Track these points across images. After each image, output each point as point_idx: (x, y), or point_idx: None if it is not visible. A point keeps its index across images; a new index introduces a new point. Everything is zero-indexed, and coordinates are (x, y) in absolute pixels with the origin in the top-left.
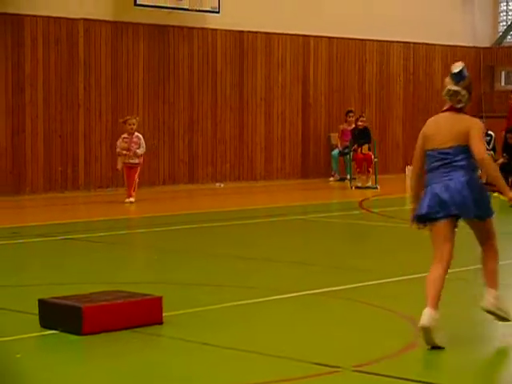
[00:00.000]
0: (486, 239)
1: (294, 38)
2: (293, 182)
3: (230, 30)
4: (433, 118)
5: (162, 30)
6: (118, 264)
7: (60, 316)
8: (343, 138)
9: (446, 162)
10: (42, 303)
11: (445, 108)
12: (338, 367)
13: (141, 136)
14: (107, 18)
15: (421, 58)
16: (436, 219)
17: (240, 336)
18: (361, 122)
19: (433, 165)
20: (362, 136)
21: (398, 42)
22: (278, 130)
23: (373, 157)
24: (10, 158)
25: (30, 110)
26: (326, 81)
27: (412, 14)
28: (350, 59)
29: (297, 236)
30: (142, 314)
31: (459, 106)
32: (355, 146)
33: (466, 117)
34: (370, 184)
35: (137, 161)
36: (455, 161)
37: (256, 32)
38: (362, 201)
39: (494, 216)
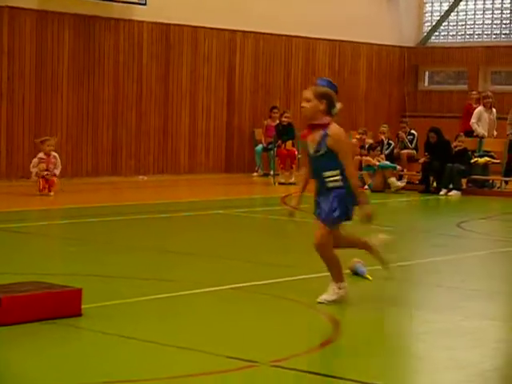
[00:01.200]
0: None
1: (220, 32)
2: (216, 176)
3: (156, 23)
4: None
5: (88, 20)
6: (37, 255)
7: None
8: (267, 134)
9: None
10: None
11: (331, 121)
12: (256, 362)
13: (57, 156)
14: (32, 7)
15: (346, 56)
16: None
17: (159, 329)
18: (285, 117)
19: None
20: (285, 132)
21: (324, 39)
22: (203, 124)
23: (296, 153)
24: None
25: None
26: (251, 76)
27: (338, 12)
28: (276, 55)
29: (218, 230)
30: (60, 305)
31: None
32: (279, 141)
33: None
34: (293, 180)
35: (54, 179)
36: None
37: (182, 25)
38: (285, 197)
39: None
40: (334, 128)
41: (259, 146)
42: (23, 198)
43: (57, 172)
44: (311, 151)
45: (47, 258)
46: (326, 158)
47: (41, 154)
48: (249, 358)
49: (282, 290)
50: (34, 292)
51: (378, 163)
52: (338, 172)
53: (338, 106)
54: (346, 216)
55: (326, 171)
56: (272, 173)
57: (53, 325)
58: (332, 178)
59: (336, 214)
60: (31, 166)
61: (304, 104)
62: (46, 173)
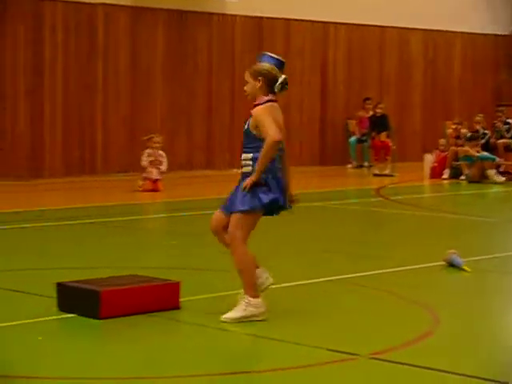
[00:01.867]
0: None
1: (313, 24)
2: (311, 168)
3: (248, 16)
4: (272, 108)
5: (180, 15)
6: (137, 249)
7: (78, 300)
8: (361, 126)
9: (282, 154)
10: (61, 287)
11: (272, 98)
12: (356, 354)
13: (163, 154)
14: (126, 3)
15: (440, 46)
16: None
17: (258, 322)
18: (379, 109)
19: (277, 155)
20: (379, 123)
21: (417, 29)
22: (296, 117)
23: (391, 144)
24: (29, 142)
25: (48, 95)
26: (344, 68)
27: (431, 2)
28: (370, 46)
29: (314, 223)
30: (159, 298)
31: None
32: (373, 133)
33: None
34: (387, 171)
35: (160, 177)
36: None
37: (275, 18)
38: (380, 188)
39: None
40: (259, 107)
41: (353, 138)
42: (121, 192)
43: (163, 168)
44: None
45: (146, 252)
46: (245, 140)
47: (148, 150)
48: (349, 351)
49: (379, 281)
50: (134, 285)
51: (477, 154)
52: (250, 156)
53: (281, 79)
54: (262, 205)
55: (242, 154)
56: (366, 164)
57: (152, 318)
58: (244, 162)
59: (242, 206)
60: (143, 159)
61: (244, 88)
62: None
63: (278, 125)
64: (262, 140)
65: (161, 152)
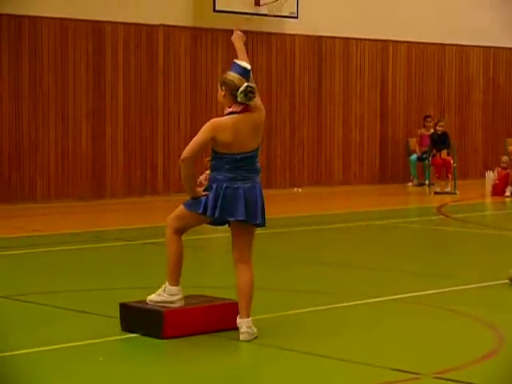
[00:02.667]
0: (248, 251)
1: (372, 43)
2: (371, 187)
3: (308, 36)
4: (225, 122)
5: None
6: (199, 268)
7: (141, 320)
8: (421, 143)
9: (239, 165)
10: (124, 307)
11: (236, 109)
12: (419, 374)
13: None
14: (186, 24)
15: (501, 63)
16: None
17: (320, 342)
18: (439, 126)
19: (228, 166)
20: (440, 141)
21: (477, 46)
22: (356, 135)
23: (452, 162)
24: (91, 162)
25: (110, 116)
26: (404, 86)
27: (492, 19)
28: (429, 64)
29: (375, 241)
30: (222, 318)
31: (253, 103)
32: (434, 151)
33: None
34: (448, 189)
35: None
36: (256, 163)
37: (334, 37)
38: (441, 206)
39: None
40: (207, 123)
41: (414, 156)
42: None
43: None
44: None
45: (209, 271)
46: None
47: (208, 171)
48: (412, 370)
49: (442, 300)
50: (196, 305)
51: None
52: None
53: (242, 88)
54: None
55: None
56: (427, 182)
57: (214, 338)
58: None
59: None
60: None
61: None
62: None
63: (235, 137)
64: (215, 151)
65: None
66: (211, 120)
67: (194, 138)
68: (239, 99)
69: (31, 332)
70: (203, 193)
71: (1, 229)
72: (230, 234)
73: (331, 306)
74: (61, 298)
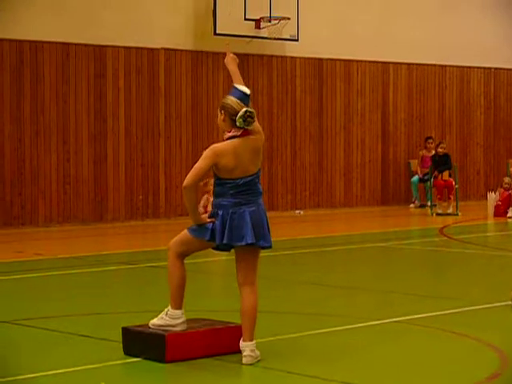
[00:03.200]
0: (254, 274)
1: (373, 64)
2: (373, 208)
3: (308, 58)
4: (225, 148)
5: (241, 58)
6: (199, 292)
7: (143, 344)
8: (423, 165)
9: (242, 190)
10: (126, 331)
11: (236, 133)
12: None
13: None
14: (187, 48)
15: (502, 84)
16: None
17: (323, 365)
18: (441, 148)
19: (232, 191)
20: (442, 162)
21: (478, 67)
22: (358, 157)
23: (454, 183)
24: (92, 186)
25: (111, 139)
26: (405, 107)
27: (492, 39)
28: (430, 85)
29: (377, 263)
30: (224, 342)
31: (251, 127)
32: (435, 172)
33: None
34: (451, 211)
35: None
36: (258, 186)
37: (335, 59)
38: (443, 228)
39: None
40: (208, 148)
41: (415, 177)
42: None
43: None
44: None
45: (211, 295)
46: None
47: (205, 196)
48: None
49: (445, 322)
50: (199, 329)
51: None
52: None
53: (241, 112)
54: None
55: None
56: (429, 204)
57: (217, 361)
58: None
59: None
60: (201, 205)
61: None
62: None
63: (236, 162)
64: (217, 177)
65: None
66: (212, 146)
67: (196, 165)
68: (238, 124)
69: (34, 357)
70: (208, 220)
71: (2, 253)
72: (230, 257)
73: (334, 329)
74: (63, 323)
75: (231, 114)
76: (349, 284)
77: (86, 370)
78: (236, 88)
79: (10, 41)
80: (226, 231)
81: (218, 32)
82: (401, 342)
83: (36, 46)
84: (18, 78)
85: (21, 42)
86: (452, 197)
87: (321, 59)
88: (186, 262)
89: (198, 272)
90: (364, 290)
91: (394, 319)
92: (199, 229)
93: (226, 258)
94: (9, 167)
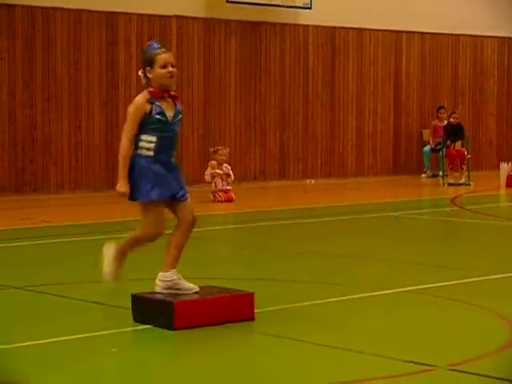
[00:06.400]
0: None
1: (385, 33)
2: (384, 178)
3: (321, 26)
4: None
5: (254, 26)
6: (209, 259)
7: (152, 311)
8: (435, 135)
9: None
10: (135, 298)
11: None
12: (433, 366)
13: (229, 167)
14: (199, 15)
15: None
16: None
17: (332, 333)
18: (453, 118)
19: None
20: (454, 132)
21: (492, 37)
22: (370, 127)
23: (466, 153)
24: (104, 153)
25: (123, 107)
26: (418, 77)
27: (507, 9)
28: (443, 55)
29: (388, 233)
30: (233, 309)
31: None
32: (448, 142)
33: None
34: (463, 181)
35: (230, 187)
36: None
37: (348, 28)
38: (455, 198)
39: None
40: None
41: (427, 147)
42: (194, 203)
43: (229, 181)
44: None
45: (220, 262)
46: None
47: (213, 162)
48: (426, 362)
49: (456, 292)
50: (207, 296)
51: None
52: None
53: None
54: None
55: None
56: (441, 174)
57: (226, 329)
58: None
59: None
60: (207, 173)
61: (173, 70)
62: (222, 186)
63: None
64: None
65: (226, 165)
66: None
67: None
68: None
69: (44, 323)
70: None
71: (11, 220)
72: (237, 226)
73: (344, 298)
74: (73, 289)
75: None
76: (359, 253)
77: (95, 336)
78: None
79: (22, 6)
80: None
81: (230, 0)
82: (410, 311)
83: (48, 12)
84: (30, 45)
85: (33, 7)
86: (464, 167)
87: (333, 27)
88: (194, 230)
89: (204, 239)
90: (373, 259)
91: (403, 289)
92: None
93: (232, 226)
94: (21, 134)
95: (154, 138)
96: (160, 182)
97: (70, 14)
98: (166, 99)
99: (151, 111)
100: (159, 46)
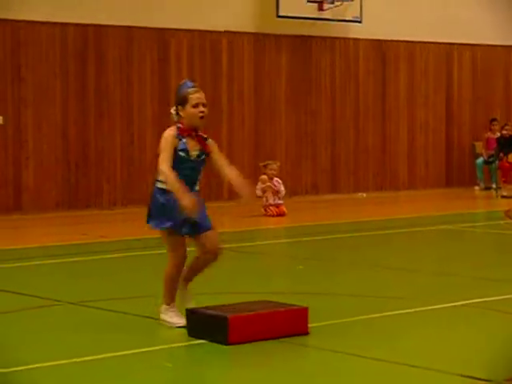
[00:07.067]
0: None
1: (436, 46)
2: (436, 191)
3: (371, 40)
4: None
5: (304, 40)
6: (263, 274)
7: (207, 326)
8: (488, 147)
9: None
10: (190, 313)
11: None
12: (490, 381)
13: (280, 181)
14: (250, 30)
15: None
16: None
17: (388, 347)
18: (506, 130)
19: None
20: (507, 144)
21: None
22: (421, 139)
23: None
24: (155, 168)
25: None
26: (470, 89)
27: None
28: (495, 66)
29: (440, 246)
30: (287, 324)
31: None
32: (501, 154)
33: None
34: None
35: (281, 202)
36: None
37: (398, 41)
38: (508, 210)
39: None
40: None
41: (480, 159)
42: (247, 218)
43: (280, 196)
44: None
45: (274, 277)
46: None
47: (264, 177)
48: (482, 377)
49: (510, 306)
50: (262, 311)
51: None
52: None
53: None
54: None
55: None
56: (494, 186)
57: (280, 343)
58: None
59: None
60: (258, 188)
61: (205, 110)
62: (274, 200)
63: None
64: None
65: (276, 179)
66: None
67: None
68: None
69: (101, 338)
70: None
71: (68, 235)
72: (289, 240)
73: (399, 312)
74: (128, 304)
75: None
76: (413, 267)
77: (150, 351)
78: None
79: (75, 25)
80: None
81: (280, 14)
82: (467, 325)
83: (100, 29)
84: (83, 62)
85: (85, 26)
86: None
87: (384, 40)
88: (246, 244)
89: (257, 254)
90: (428, 273)
91: (460, 303)
92: None
93: (285, 240)
94: (74, 150)
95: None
96: (171, 212)
97: (121, 31)
98: (193, 137)
99: (177, 146)
100: (193, 84)
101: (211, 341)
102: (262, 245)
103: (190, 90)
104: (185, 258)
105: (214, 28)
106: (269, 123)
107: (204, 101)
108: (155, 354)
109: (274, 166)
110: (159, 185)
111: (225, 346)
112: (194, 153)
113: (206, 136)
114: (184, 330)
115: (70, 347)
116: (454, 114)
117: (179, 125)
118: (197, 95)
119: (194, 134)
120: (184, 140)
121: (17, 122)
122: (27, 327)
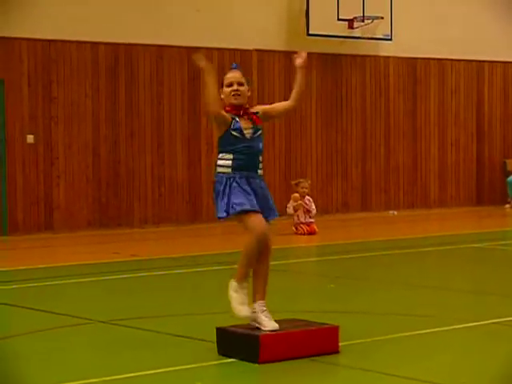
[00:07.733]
0: None
1: (467, 63)
2: (467, 209)
3: (402, 57)
4: None
5: (334, 58)
6: (294, 292)
7: (237, 344)
8: None
9: None
10: (220, 331)
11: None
12: None
13: (311, 199)
14: (280, 48)
15: None
16: None
17: (420, 366)
18: None
19: None
20: None
21: None
22: (452, 157)
23: None
24: (187, 188)
25: (205, 141)
26: (501, 106)
27: None
28: None
29: (471, 264)
30: (318, 342)
31: None
32: None
33: None
34: None
35: (313, 220)
36: None
37: (429, 58)
38: None
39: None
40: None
41: (511, 177)
42: (279, 235)
43: (311, 215)
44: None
45: (304, 295)
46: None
47: (295, 195)
48: None
49: None
50: (292, 330)
51: None
52: None
53: None
54: None
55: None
56: None
57: (311, 362)
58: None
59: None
60: (289, 207)
61: (241, 88)
62: (305, 219)
63: None
64: None
65: (308, 197)
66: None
67: None
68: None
69: (130, 357)
70: None
71: (100, 254)
72: (320, 258)
73: (431, 330)
74: (159, 323)
75: None
76: (445, 285)
77: (181, 370)
78: None
79: (106, 44)
80: None
81: (310, 32)
82: (499, 343)
83: (131, 48)
84: (113, 81)
85: (116, 44)
86: None
87: (414, 58)
88: (276, 263)
89: (288, 272)
90: (460, 291)
91: (492, 321)
92: None
93: (316, 258)
94: (105, 169)
95: (230, 156)
96: (240, 197)
97: (151, 50)
98: (243, 116)
99: (230, 125)
100: (235, 66)
101: (242, 359)
102: (292, 263)
103: (229, 71)
104: (265, 234)
105: (244, 46)
106: (299, 141)
107: (239, 80)
108: (185, 372)
109: (306, 184)
110: (223, 170)
111: (255, 365)
112: (248, 131)
113: (254, 111)
114: (215, 349)
115: (100, 366)
116: (484, 132)
117: (226, 107)
118: (230, 74)
119: (241, 112)
120: (237, 119)
121: (48, 140)
122: (58, 346)
